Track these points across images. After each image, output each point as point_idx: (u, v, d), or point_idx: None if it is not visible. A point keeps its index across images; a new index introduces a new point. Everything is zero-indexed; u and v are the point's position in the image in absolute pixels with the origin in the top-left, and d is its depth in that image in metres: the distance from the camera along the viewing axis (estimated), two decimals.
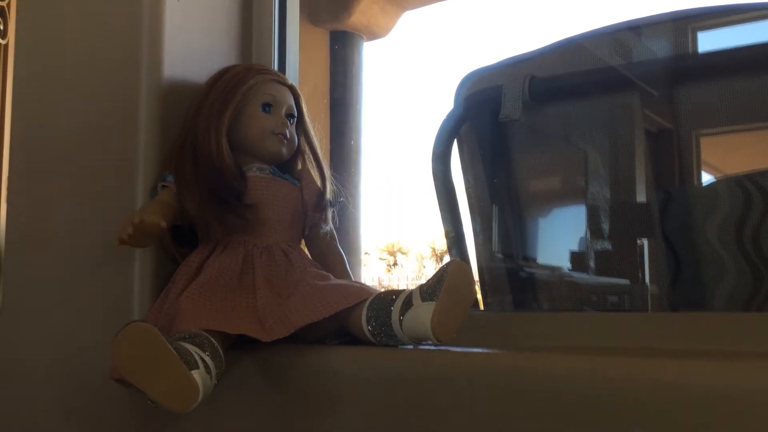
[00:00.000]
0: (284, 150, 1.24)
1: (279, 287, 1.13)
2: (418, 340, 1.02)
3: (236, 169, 1.19)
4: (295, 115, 1.27)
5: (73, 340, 1.28)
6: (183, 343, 0.98)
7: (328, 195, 1.25)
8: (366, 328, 1.04)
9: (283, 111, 1.24)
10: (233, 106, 1.21)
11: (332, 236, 1.27)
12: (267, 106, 1.23)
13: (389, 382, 0.99)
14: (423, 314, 0.99)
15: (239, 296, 1.11)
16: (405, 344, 1.04)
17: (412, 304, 1.01)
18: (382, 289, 1.12)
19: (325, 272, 1.19)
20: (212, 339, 1.02)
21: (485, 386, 0.92)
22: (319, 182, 1.26)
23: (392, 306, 1.02)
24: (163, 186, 1.20)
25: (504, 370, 0.93)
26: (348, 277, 1.25)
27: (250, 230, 1.18)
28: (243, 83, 1.22)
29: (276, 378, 1.10)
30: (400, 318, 1.01)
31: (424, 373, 0.98)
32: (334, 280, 1.15)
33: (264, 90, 1.23)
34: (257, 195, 1.19)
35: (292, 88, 1.28)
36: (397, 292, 1.05)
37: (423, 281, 1.03)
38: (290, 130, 1.25)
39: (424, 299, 1.00)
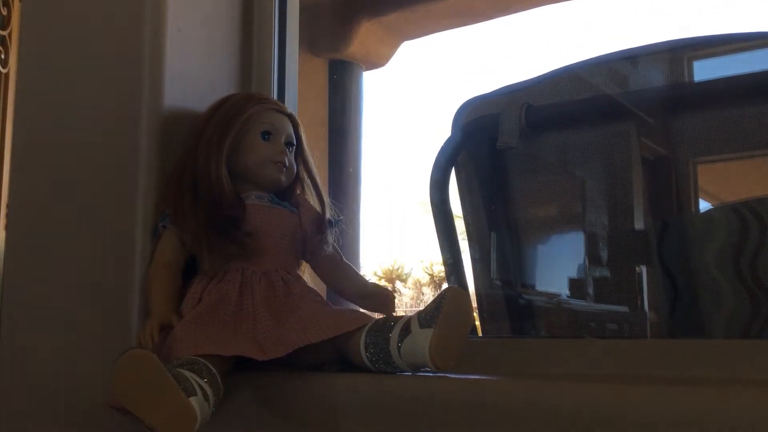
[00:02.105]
0: (283, 178, 1.25)
1: (278, 312, 1.13)
2: (416, 367, 1.02)
3: (235, 197, 1.20)
4: (294, 143, 1.28)
5: (72, 366, 1.28)
6: (181, 370, 0.97)
7: (328, 216, 1.26)
8: (364, 355, 1.04)
9: (282, 139, 1.25)
10: (233, 135, 1.22)
11: (336, 253, 1.27)
12: (266, 135, 1.24)
13: (386, 409, 0.99)
14: (421, 341, 0.98)
15: (239, 322, 1.12)
16: (403, 371, 1.04)
17: (411, 331, 1.00)
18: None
19: (323, 299, 1.19)
20: (210, 366, 1.02)
21: (483, 413, 0.92)
22: (318, 208, 1.26)
23: (390, 333, 1.02)
24: (164, 226, 1.22)
25: (502, 397, 0.93)
26: (362, 280, 1.27)
27: (249, 257, 1.18)
28: (243, 112, 1.23)
29: (274, 404, 1.09)
30: (398, 345, 1.01)
31: (421, 400, 0.97)
32: (332, 307, 1.15)
33: (264, 119, 1.24)
34: (256, 223, 1.20)
35: (291, 117, 1.29)
36: (396, 319, 1.05)
37: (422, 308, 1.03)
38: (289, 158, 1.26)
39: (422, 326, 1.00)
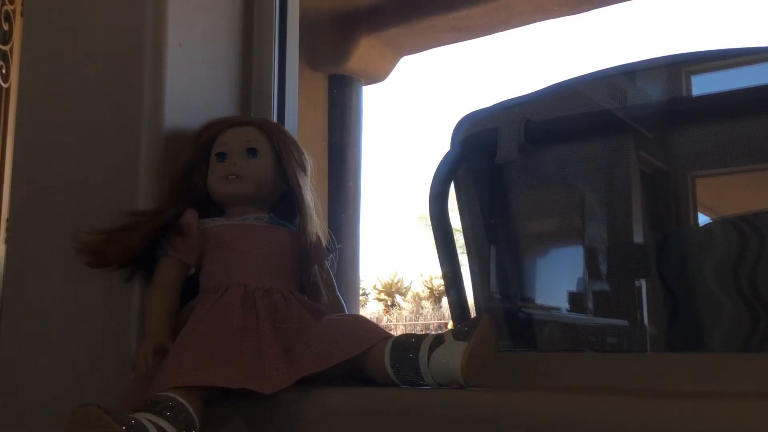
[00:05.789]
0: (239, 188, 1.23)
1: (281, 332, 1.12)
2: (442, 378, 1.02)
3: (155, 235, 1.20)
4: (256, 148, 1.24)
5: (72, 377, 1.28)
6: (139, 415, 0.97)
7: (308, 235, 1.22)
8: (389, 365, 1.04)
9: (236, 152, 1.24)
10: (186, 171, 1.25)
11: (331, 287, 1.27)
12: (221, 155, 1.25)
13: (387, 422, 0.99)
14: (454, 351, 1.00)
15: (243, 343, 1.10)
16: (425, 384, 1.04)
17: (444, 341, 1.02)
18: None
19: (328, 319, 1.16)
20: (183, 400, 1.01)
21: (482, 427, 0.92)
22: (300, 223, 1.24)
23: (421, 342, 1.04)
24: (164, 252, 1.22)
25: (501, 410, 0.93)
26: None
27: (247, 274, 1.18)
28: (201, 150, 1.26)
29: (285, 420, 1.09)
30: (429, 353, 1.02)
31: (419, 414, 0.97)
32: (338, 326, 1.13)
33: (217, 142, 1.25)
34: (249, 242, 1.20)
35: (255, 123, 1.28)
36: (422, 334, 1.07)
37: (422, 321, 1.04)
38: (247, 165, 1.23)
39: (456, 338, 1.02)
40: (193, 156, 1.26)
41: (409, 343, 1.04)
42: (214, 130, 1.27)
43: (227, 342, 1.09)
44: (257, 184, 1.24)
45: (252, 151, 1.24)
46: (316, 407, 1.06)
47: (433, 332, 1.06)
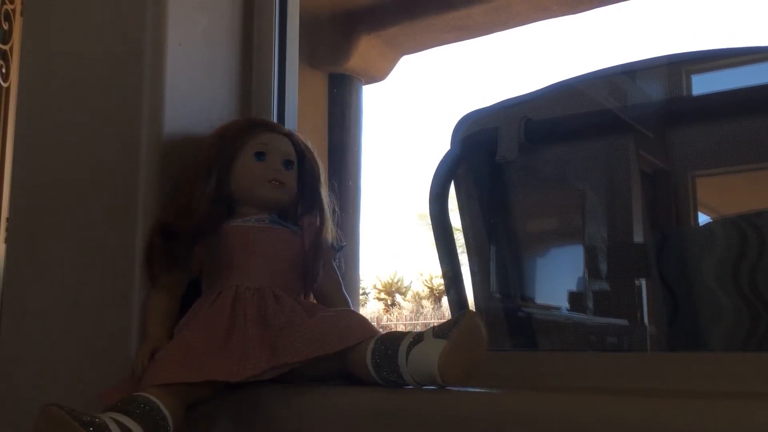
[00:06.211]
0: (281, 195, 1.24)
1: (267, 329, 1.12)
2: (421, 377, 0.99)
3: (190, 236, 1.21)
4: (294, 161, 1.27)
5: (71, 380, 1.28)
6: (108, 414, 0.98)
7: (328, 237, 1.25)
8: (369, 363, 1.03)
9: (279, 158, 1.25)
10: (221, 165, 1.23)
11: (338, 284, 1.26)
12: (260, 155, 1.24)
13: (382, 422, 0.99)
14: (432, 350, 0.97)
15: (229, 341, 1.11)
16: (407, 384, 1.02)
17: (423, 339, 1.00)
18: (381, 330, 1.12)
19: (321, 317, 1.14)
20: (154, 400, 1.01)
21: (481, 427, 0.92)
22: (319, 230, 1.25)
23: (401, 340, 1.01)
24: None
25: (501, 410, 0.93)
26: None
27: (243, 274, 1.18)
28: (234, 139, 1.24)
29: (269, 418, 1.09)
30: (407, 351, 0.99)
31: (419, 414, 0.97)
32: (330, 324, 1.12)
33: (257, 140, 1.24)
34: (247, 242, 1.20)
35: (290, 136, 1.29)
36: (404, 332, 1.05)
37: (422, 321, 1.04)
38: (286, 175, 1.25)
39: (436, 336, 0.99)
40: (230, 145, 1.24)
41: (391, 341, 1.02)
42: (255, 129, 1.26)
43: (209, 343, 1.10)
44: (291, 195, 1.27)
45: (289, 164, 1.26)
46: (307, 406, 1.06)
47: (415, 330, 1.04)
